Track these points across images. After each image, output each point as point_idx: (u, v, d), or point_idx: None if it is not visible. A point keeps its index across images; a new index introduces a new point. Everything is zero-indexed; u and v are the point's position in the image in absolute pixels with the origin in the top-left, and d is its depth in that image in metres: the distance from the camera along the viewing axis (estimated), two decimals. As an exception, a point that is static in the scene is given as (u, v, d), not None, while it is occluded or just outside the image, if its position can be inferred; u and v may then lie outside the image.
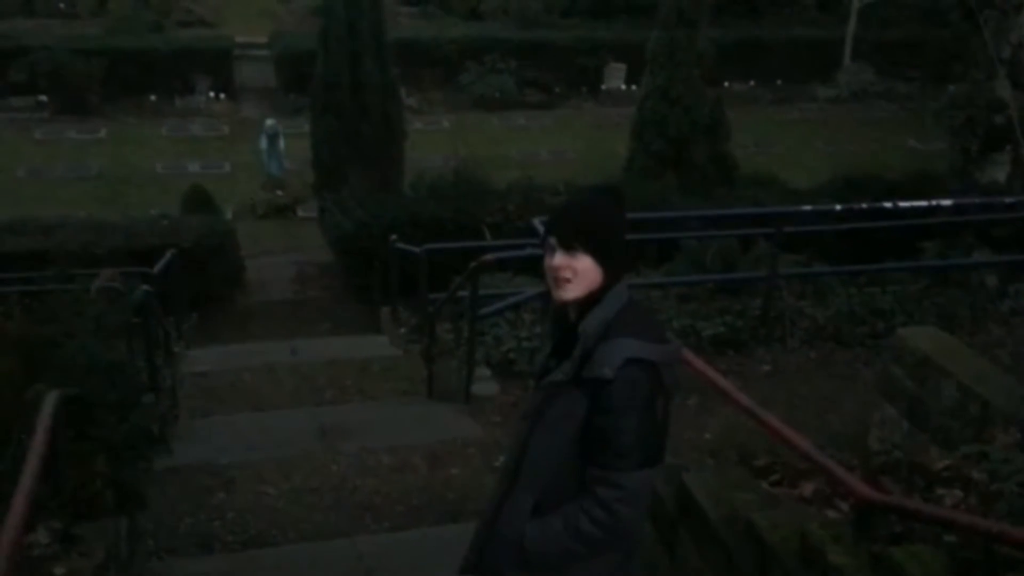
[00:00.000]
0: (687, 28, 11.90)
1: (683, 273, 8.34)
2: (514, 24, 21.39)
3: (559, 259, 2.32)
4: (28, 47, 18.01)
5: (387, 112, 12.67)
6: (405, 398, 7.20)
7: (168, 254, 8.75)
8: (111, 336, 4.99)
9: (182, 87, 18.79)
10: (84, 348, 4.29)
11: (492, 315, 6.90)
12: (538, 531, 2.32)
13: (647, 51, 12.33)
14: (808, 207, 9.43)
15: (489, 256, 6.68)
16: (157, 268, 8.18)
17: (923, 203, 8.81)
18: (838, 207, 9.01)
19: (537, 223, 7.03)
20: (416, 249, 8.58)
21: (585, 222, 2.35)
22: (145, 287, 6.55)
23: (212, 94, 18.97)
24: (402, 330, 9.01)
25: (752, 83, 20.88)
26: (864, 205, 8.96)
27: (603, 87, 20.44)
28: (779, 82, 21.09)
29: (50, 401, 3.41)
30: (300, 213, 14.07)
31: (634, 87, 17.92)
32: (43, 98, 17.94)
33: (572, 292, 2.32)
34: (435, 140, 16.37)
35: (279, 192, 14.47)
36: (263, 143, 14.68)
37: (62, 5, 22.27)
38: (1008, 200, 9.67)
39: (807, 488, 3.50)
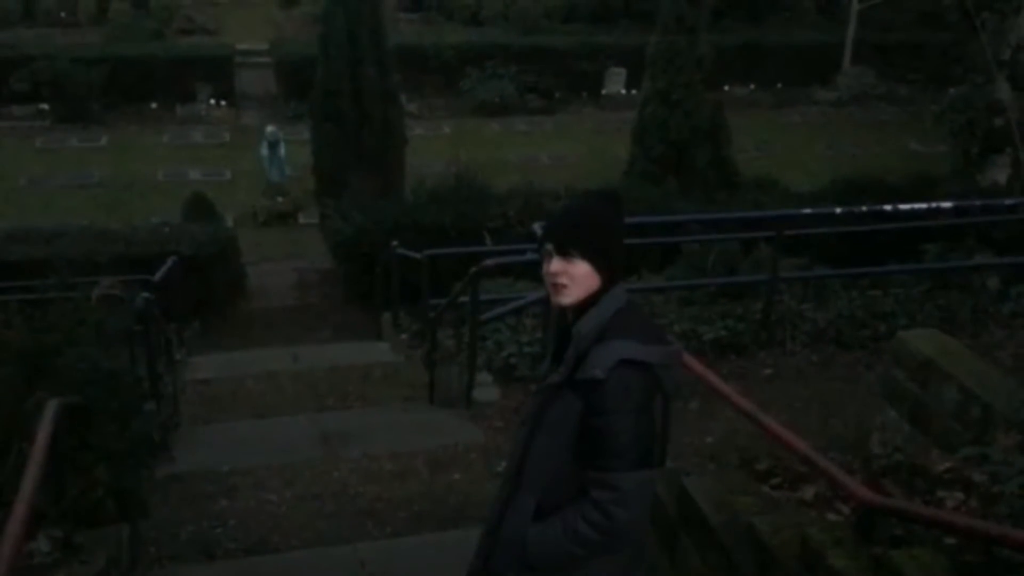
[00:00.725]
0: (687, 33, 11.93)
1: (684, 277, 8.34)
2: (514, 30, 21.43)
3: (556, 265, 2.33)
4: (29, 56, 18.08)
5: (388, 118, 12.70)
6: (407, 404, 7.19)
7: (169, 261, 8.76)
8: (112, 344, 5.00)
9: (183, 95, 18.82)
10: (85, 356, 4.29)
11: (493, 320, 6.90)
12: (539, 534, 2.33)
13: (647, 56, 12.35)
14: (809, 210, 9.44)
15: (490, 261, 6.68)
16: (158, 276, 8.19)
17: (924, 205, 8.81)
18: (839, 210, 9.01)
19: (538, 228, 7.04)
20: (417, 254, 8.59)
21: (580, 227, 2.35)
22: (146, 295, 6.56)
23: (213, 101, 19.00)
24: (403, 336, 9.02)
25: (752, 87, 20.90)
26: (865, 208, 8.96)
27: (603, 92, 20.46)
28: (779, 86, 21.10)
29: (51, 409, 3.41)
30: (301, 220, 14.09)
31: (634, 92, 17.94)
32: (44, 106, 17.99)
33: (569, 297, 2.33)
34: (436, 146, 16.39)
35: (280, 199, 14.49)
36: (264, 150, 14.70)
37: (63, 14, 22.36)
38: (1009, 202, 9.66)
39: (808, 491, 3.49)
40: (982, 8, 11.13)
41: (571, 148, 17.57)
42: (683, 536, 3.62)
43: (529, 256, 7.33)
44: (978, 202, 9.37)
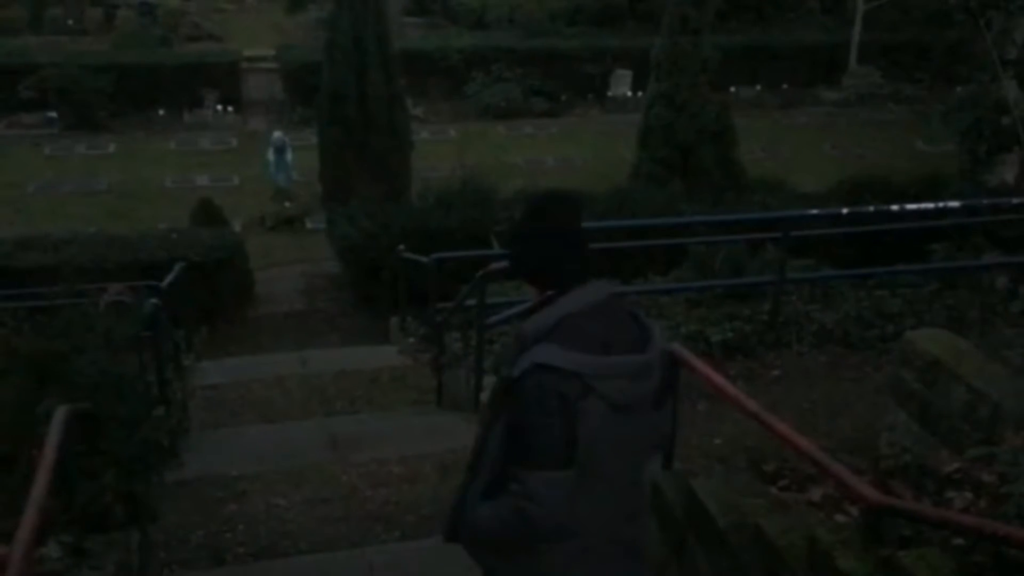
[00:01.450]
0: (691, 34, 11.93)
1: (691, 279, 8.33)
2: (519, 33, 21.46)
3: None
4: (37, 64, 18.19)
5: (393, 123, 12.73)
6: (415, 408, 7.21)
7: (177, 267, 8.79)
8: (121, 350, 5.02)
9: (190, 101, 18.91)
10: (94, 362, 4.31)
11: (500, 323, 6.90)
12: (476, 516, 2.47)
13: (652, 58, 12.35)
14: (816, 211, 9.42)
15: (496, 265, 6.68)
16: (166, 282, 8.22)
17: (931, 205, 8.79)
18: (846, 211, 9.00)
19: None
20: (424, 259, 8.60)
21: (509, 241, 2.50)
22: (154, 301, 6.59)
23: (220, 108, 19.08)
24: (411, 340, 9.03)
25: (758, 88, 20.89)
26: (872, 208, 8.95)
27: (609, 94, 20.47)
28: (785, 86, 21.09)
29: (60, 415, 3.43)
30: (308, 225, 14.13)
31: (640, 94, 17.94)
32: (52, 114, 18.07)
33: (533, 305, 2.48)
34: (442, 150, 16.41)
35: (287, 204, 14.52)
36: (271, 155, 14.75)
37: (70, 22, 22.47)
38: (1016, 201, 9.62)
39: (816, 493, 3.49)
40: (988, 7, 11.08)
41: (577, 151, 17.58)
42: (691, 538, 3.62)
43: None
44: (986, 201, 9.34)
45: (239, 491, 5.57)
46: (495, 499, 2.42)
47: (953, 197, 9.62)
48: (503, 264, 6.94)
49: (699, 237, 8.85)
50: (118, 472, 3.97)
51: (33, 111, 18.07)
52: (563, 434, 2.30)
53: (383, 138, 12.65)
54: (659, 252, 9.07)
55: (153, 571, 4.45)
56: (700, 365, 3.92)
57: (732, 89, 19.10)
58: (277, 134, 15.06)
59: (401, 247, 9.10)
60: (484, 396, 6.53)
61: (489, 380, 6.71)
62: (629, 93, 20.17)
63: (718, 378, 3.80)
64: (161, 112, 18.75)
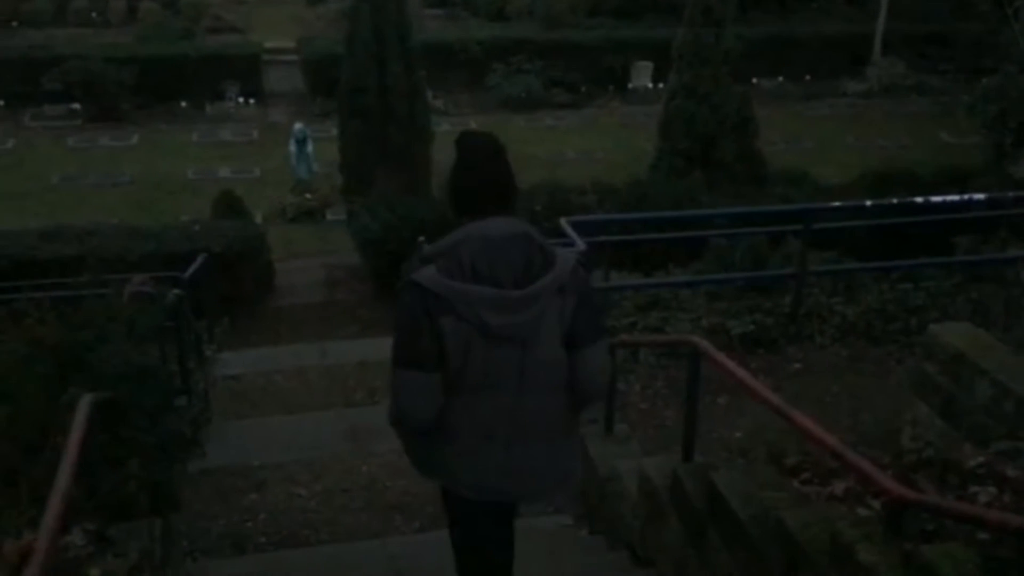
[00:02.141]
0: (713, 25, 11.85)
1: (711, 271, 8.29)
2: (540, 24, 21.40)
3: None
4: (61, 56, 18.32)
5: (413, 114, 12.74)
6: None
7: (199, 259, 8.84)
8: (144, 340, 5.05)
9: (212, 93, 18.99)
10: (118, 352, 4.35)
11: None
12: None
13: (673, 49, 12.29)
14: (838, 203, 9.35)
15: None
16: (189, 273, 8.27)
17: (956, 198, 8.70)
18: (869, 203, 8.92)
19: (564, 223, 7.03)
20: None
21: None
22: (177, 291, 6.63)
23: (242, 100, 19.16)
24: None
25: (781, 79, 20.73)
26: (895, 200, 8.86)
27: (630, 86, 20.39)
28: (808, 77, 20.91)
29: (84, 405, 3.46)
30: (329, 216, 14.17)
31: (661, 85, 17.85)
32: (76, 106, 18.21)
33: None
34: (462, 141, 16.37)
35: (308, 196, 14.57)
36: (292, 147, 14.80)
37: (94, 14, 22.63)
38: (1043, 193, 9.51)
39: (838, 487, 3.46)
40: (1014, -3, 10.95)
41: (597, 142, 17.53)
42: (711, 530, 3.61)
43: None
44: (1011, 194, 9.24)
45: (260, 481, 5.62)
46: None
47: (978, 189, 9.52)
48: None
49: (719, 230, 8.80)
50: (141, 461, 3.99)
51: (57, 103, 18.22)
52: (426, 342, 2.68)
53: (403, 130, 12.66)
54: (679, 245, 9.03)
55: (176, 559, 4.49)
56: (721, 358, 3.91)
57: (754, 80, 18.95)
58: (298, 126, 15.11)
59: (421, 239, 9.10)
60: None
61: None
62: (650, 85, 20.08)
63: (739, 371, 3.79)
64: (183, 104, 18.85)
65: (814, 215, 7.56)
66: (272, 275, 11.69)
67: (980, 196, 8.84)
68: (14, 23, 21.88)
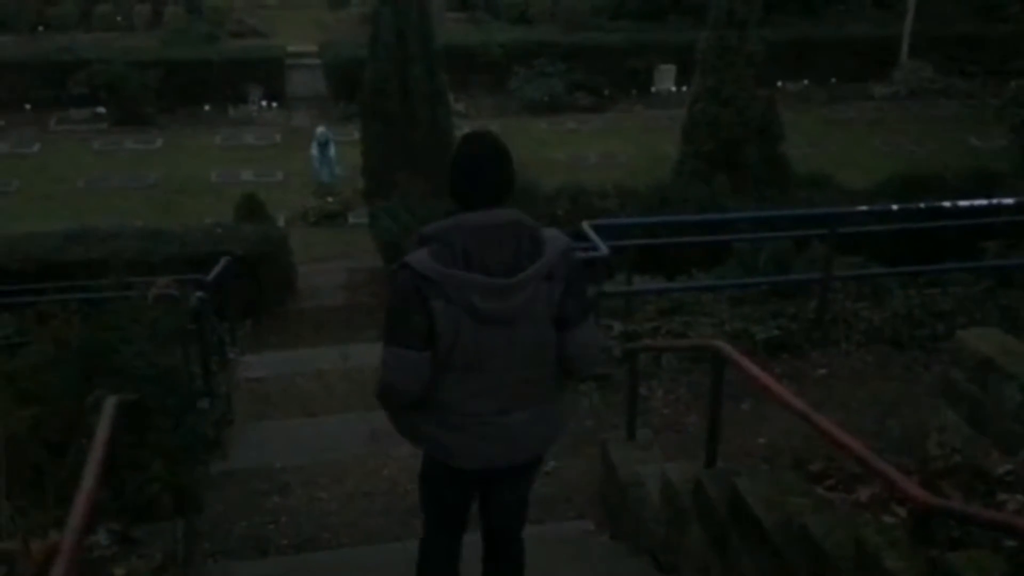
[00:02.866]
0: (738, 28, 11.79)
1: (735, 276, 8.24)
2: (562, 27, 21.38)
3: None
4: (87, 60, 18.50)
5: (436, 118, 12.75)
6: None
7: (222, 261, 8.88)
8: (167, 342, 5.08)
9: (235, 97, 19.12)
10: (142, 354, 4.37)
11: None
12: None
13: (697, 52, 12.24)
14: (864, 207, 9.27)
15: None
16: (211, 275, 8.30)
17: (984, 202, 8.60)
18: (895, 207, 8.84)
19: (587, 227, 7.01)
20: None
21: None
22: (200, 294, 6.67)
23: (264, 103, 19.28)
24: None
25: (806, 82, 20.59)
26: (922, 205, 8.77)
27: (653, 89, 20.33)
28: (834, 81, 20.76)
29: (109, 406, 3.48)
30: (351, 219, 14.21)
31: (684, 89, 17.79)
32: (101, 109, 18.39)
33: None
34: (484, 145, 16.37)
35: (330, 199, 14.63)
36: (314, 150, 14.86)
37: (119, 18, 22.84)
38: (1072, 198, 9.38)
39: (863, 493, 3.43)
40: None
41: (620, 146, 17.48)
42: (734, 537, 3.58)
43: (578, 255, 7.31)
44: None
45: (282, 483, 5.63)
46: None
47: (1007, 194, 9.41)
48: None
49: (743, 234, 8.75)
50: (165, 462, 4.02)
51: (83, 107, 18.40)
52: (416, 322, 2.83)
53: (425, 133, 12.67)
54: (702, 249, 8.98)
55: (198, 561, 4.51)
56: (745, 362, 3.88)
57: (779, 83, 18.85)
58: (320, 129, 15.17)
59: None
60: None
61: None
62: (673, 88, 20.02)
63: (763, 376, 3.76)
64: (207, 107, 18.99)
65: (839, 219, 7.50)
66: (294, 278, 11.74)
67: (1009, 200, 8.73)
68: (40, 28, 22.13)
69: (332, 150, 14.84)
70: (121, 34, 22.17)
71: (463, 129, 15.55)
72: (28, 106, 18.58)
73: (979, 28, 21.09)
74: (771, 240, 8.20)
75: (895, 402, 6.01)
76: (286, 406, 7.22)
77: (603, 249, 6.60)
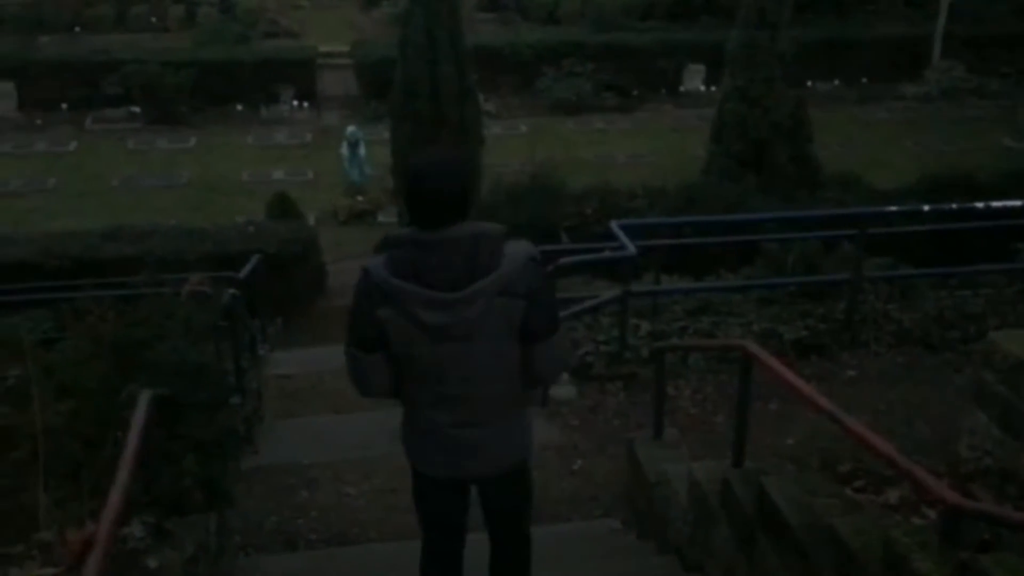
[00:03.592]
0: (768, 27, 11.73)
1: (763, 276, 8.21)
2: (591, 27, 21.35)
3: None
4: (121, 60, 18.73)
5: (465, 118, 12.79)
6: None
7: (253, 259, 8.97)
8: (200, 339, 5.14)
9: (267, 97, 19.28)
10: (175, 350, 4.42)
11: (569, 319, 6.90)
12: None
13: (727, 52, 12.18)
14: (894, 208, 9.19)
15: (565, 260, 6.68)
16: (243, 273, 8.39)
17: (1018, 203, 8.50)
18: (926, 208, 8.76)
19: (614, 226, 7.02)
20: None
21: None
22: (233, 291, 6.74)
23: (296, 103, 19.42)
24: (480, 334, 9.04)
25: (836, 82, 20.41)
26: (954, 205, 8.69)
27: (682, 89, 20.25)
28: (865, 80, 20.56)
29: (143, 401, 3.54)
30: (380, 219, 14.29)
31: (713, 88, 17.71)
32: (136, 109, 18.61)
33: None
34: (512, 145, 16.44)
35: (360, 198, 14.72)
36: (344, 150, 14.96)
37: (153, 19, 23.11)
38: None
39: (892, 495, 3.42)
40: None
41: (648, 146, 17.44)
42: (761, 537, 3.58)
43: (606, 255, 7.32)
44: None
45: (311, 479, 5.69)
46: None
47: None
48: (573, 259, 6.95)
49: (772, 234, 8.70)
50: (197, 457, 4.07)
51: (117, 106, 18.63)
52: (367, 325, 2.91)
53: (454, 133, 12.71)
54: (730, 249, 8.95)
55: (229, 554, 4.57)
56: (773, 363, 3.87)
57: (808, 83, 18.70)
58: (351, 129, 15.26)
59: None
60: (554, 391, 6.55)
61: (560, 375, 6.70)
62: (702, 88, 19.93)
63: (791, 376, 3.75)
64: (239, 107, 19.16)
65: (869, 220, 7.45)
66: (324, 276, 11.83)
67: (1043, 201, 8.61)
68: (77, 28, 22.44)
69: (362, 150, 14.93)
70: (155, 35, 22.42)
71: (492, 130, 15.68)
72: (64, 105, 18.84)
73: (1013, 28, 20.79)
74: (800, 240, 8.15)
75: (925, 404, 5.97)
76: (314, 403, 7.29)
77: (631, 249, 6.61)
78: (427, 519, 3.39)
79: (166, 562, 3.44)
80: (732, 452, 4.13)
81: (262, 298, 9.11)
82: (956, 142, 17.36)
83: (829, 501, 3.32)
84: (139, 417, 3.39)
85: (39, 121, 18.53)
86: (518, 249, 2.89)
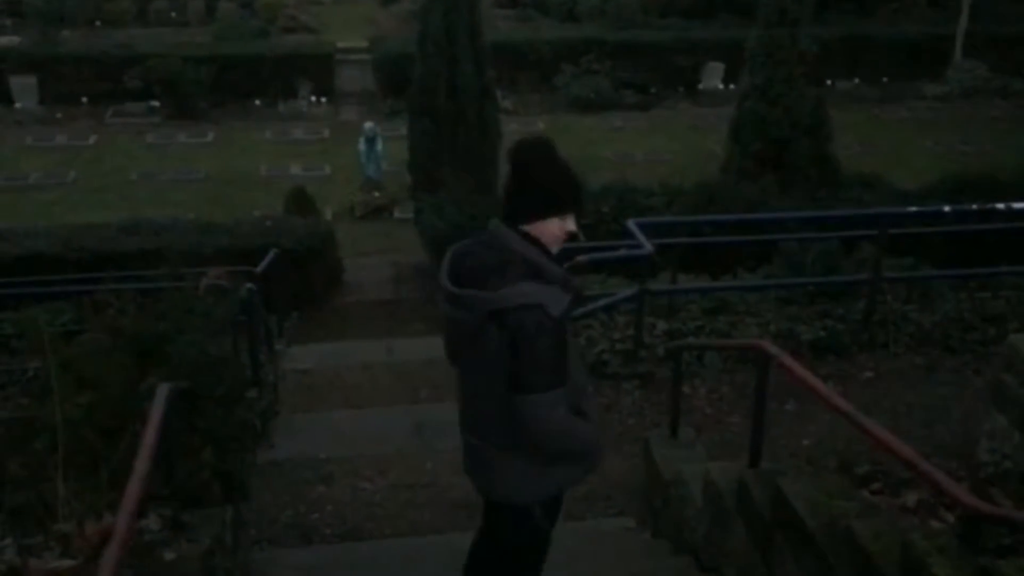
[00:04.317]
0: (788, 26, 11.65)
1: (782, 276, 8.17)
2: (610, 25, 21.30)
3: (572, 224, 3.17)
4: (142, 55, 18.83)
5: (483, 114, 12.77)
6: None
7: (271, 254, 9.00)
8: (218, 332, 5.16)
9: (285, 92, 19.34)
10: (193, 343, 4.45)
11: (585, 317, 6.89)
12: None
13: (746, 50, 12.12)
14: (915, 208, 9.13)
15: (582, 257, 6.66)
16: (261, 267, 8.42)
17: (1039, 204, 8.42)
18: (947, 208, 8.69)
19: (632, 225, 7.00)
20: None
21: None
22: (250, 286, 6.76)
23: (314, 98, 19.48)
24: (496, 330, 9.04)
25: (857, 81, 20.29)
26: (975, 206, 8.61)
27: (700, 87, 20.18)
28: (885, 80, 20.43)
29: (162, 394, 3.55)
30: (397, 214, 14.31)
31: (732, 87, 17.63)
32: (155, 103, 18.71)
33: None
34: (530, 142, 16.36)
35: (376, 194, 14.74)
36: (362, 146, 14.98)
37: (174, 14, 23.26)
38: None
39: (910, 498, 3.39)
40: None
41: (666, 144, 17.39)
42: (778, 538, 3.56)
43: (623, 252, 7.30)
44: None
45: (327, 474, 5.71)
46: None
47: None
48: (590, 256, 6.94)
49: (790, 233, 8.66)
50: (214, 450, 4.09)
51: (137, 101, 18.74)
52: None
53: (472, 130, 12.70)
54: (748, 248, 8.91)
55: (245, 547, 4.59)
56: (790, 362, 3.85)
57: (829, 82, 18.59)
58: (368, 124, 15.27)
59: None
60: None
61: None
62: (721, 86, 19.84)
63: (808, 376, 3.73)
64: (257, 102, 19.23)
65: (889, 220, 7.40)
66: (340, 271, 11.86)
67: (1065, 203, 8.53)
68: (97, 23, 22.59)
69: (380, 145, 14.94)
70: (175, 29, 22.57)
71: (510, 126, 15.64)
72: (84, 99, 18.97)
73: (1037, 27, 20.62)
74: (819, 240, 8.11)
75: (944, 407, 5.92)
76: (331, 398, 7.32)
77: (647, 247, 6.59)
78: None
79: (182, 554, 3.46)
80: (749, 452, 4.11)
81: (279, 293, 9.14)
82: (977, 142, 17.22)
83: (847, 503, 3.30)
84: (157, 410, 3.40)
85: (60, 115, 18.66)
86: (520, 290, 2.79)
